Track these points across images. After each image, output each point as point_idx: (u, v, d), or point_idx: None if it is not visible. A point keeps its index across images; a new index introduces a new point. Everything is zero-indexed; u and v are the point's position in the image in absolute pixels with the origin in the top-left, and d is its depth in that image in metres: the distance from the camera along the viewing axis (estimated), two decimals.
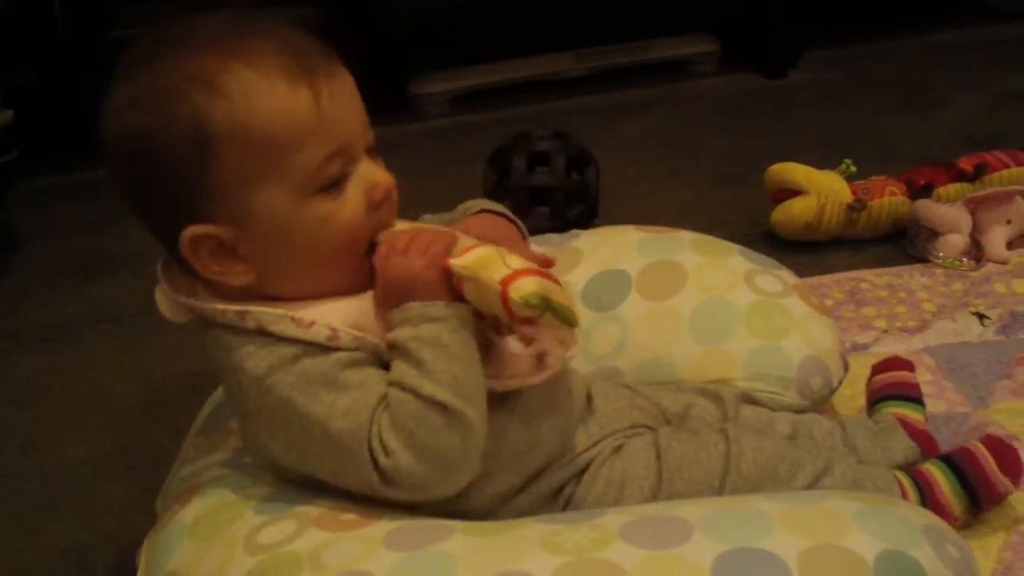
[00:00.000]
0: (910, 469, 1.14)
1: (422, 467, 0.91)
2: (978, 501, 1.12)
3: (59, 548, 1.33)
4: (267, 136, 0.90)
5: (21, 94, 2.24)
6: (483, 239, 0.99)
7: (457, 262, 0.95)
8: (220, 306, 0.95)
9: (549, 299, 0.92)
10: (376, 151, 0.98)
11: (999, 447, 1.14)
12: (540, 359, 1.02)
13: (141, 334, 1.78)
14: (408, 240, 0.96)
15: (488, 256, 0.95)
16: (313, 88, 0.91)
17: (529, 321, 0.94)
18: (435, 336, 0.93)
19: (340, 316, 0.95)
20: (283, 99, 0.90)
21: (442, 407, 0.91)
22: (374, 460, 0.91)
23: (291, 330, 0.93)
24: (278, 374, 0.92)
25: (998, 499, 1.13)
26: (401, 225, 1.00)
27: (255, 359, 0.93)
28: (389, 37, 2.59)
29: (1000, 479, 1.11)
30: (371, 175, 0.95)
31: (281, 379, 0.92)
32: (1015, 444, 1.20)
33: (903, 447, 1.18)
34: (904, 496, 1.09)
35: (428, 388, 0.91)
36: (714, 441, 1.07)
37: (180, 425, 1.34)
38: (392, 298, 0.95)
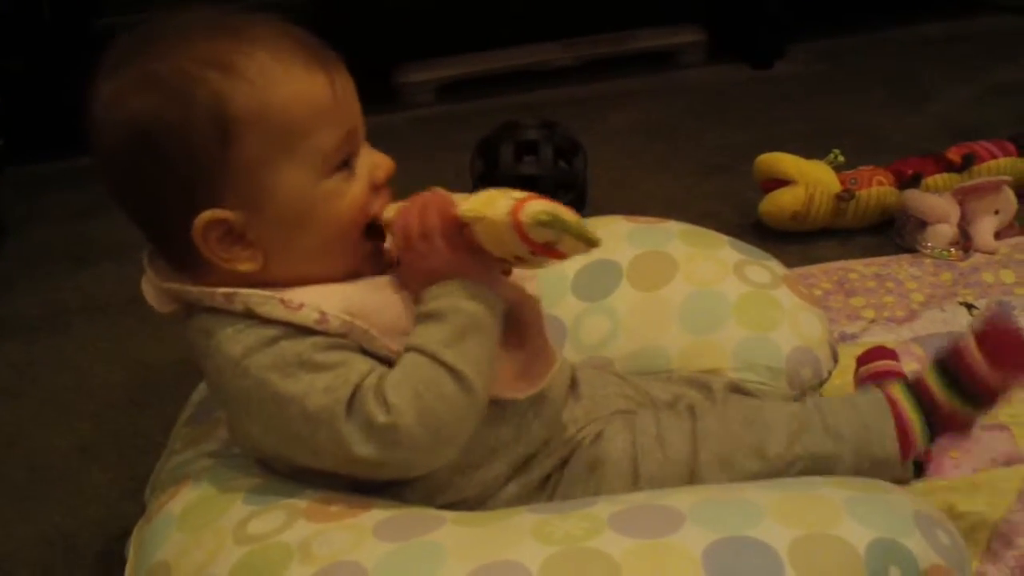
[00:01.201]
0: (910, 379, 1.11)
1: (419, 431, 0.90)
2: (977, 399, 1.06)
3: (46, 536, 1.33)
4: (287, 117, 0.92)
5: (7, 81, 2.23)
6: None
7: (463, 207, 0.95)
8: (208, 289, 0.95)
9: (561, 217, 0.91)
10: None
11: (994, 337, 1.06)
12: (527, 373, 1.02)
13: (128, 322, 1.78)
14: (418, 218, 0.96)
15: (491, 195, 0.94)
16: (327, 72, 0.94)
17: (550, 250, 0.93)
18: (473, 312, 0.94)
19: (333, 301, 0.95)
20: (301, 82, 0.92)
21: (459, 377, 0.92)
22: (368, 421, 0.90)
23: (278, 311, 0.93)
24: (255, 355, 0.92)
25: (994, 394, 1.06)
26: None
27: (232, 342, 0.93)
28: (374, 25, 2.58)
29: (987, 372, 1.05)
30: (374, 157, 0.98)
31: (258, 360, 0.92)
32: (1007, 434, 1.21)
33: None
34: (897, 411, 1.08)
35: (450, 356, 0.92)
36: (684, 420, 1.08)
37: (167, 414, 1.34)
38: (424, 279, 0.97)
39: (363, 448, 0.91)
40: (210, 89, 0.90)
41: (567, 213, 0.92)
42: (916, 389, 1.09)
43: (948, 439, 1.12)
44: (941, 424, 1.07)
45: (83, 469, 1.45)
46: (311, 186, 0.94)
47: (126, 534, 1.10)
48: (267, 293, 0.93)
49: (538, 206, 0.91)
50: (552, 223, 0.91)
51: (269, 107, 0.91)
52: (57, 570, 1.27)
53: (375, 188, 0.98)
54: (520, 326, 1.02)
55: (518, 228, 0.91)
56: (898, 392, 1.09)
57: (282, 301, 0.93)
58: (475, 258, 0.97)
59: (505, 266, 1.01)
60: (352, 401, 0.91)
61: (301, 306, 0.93)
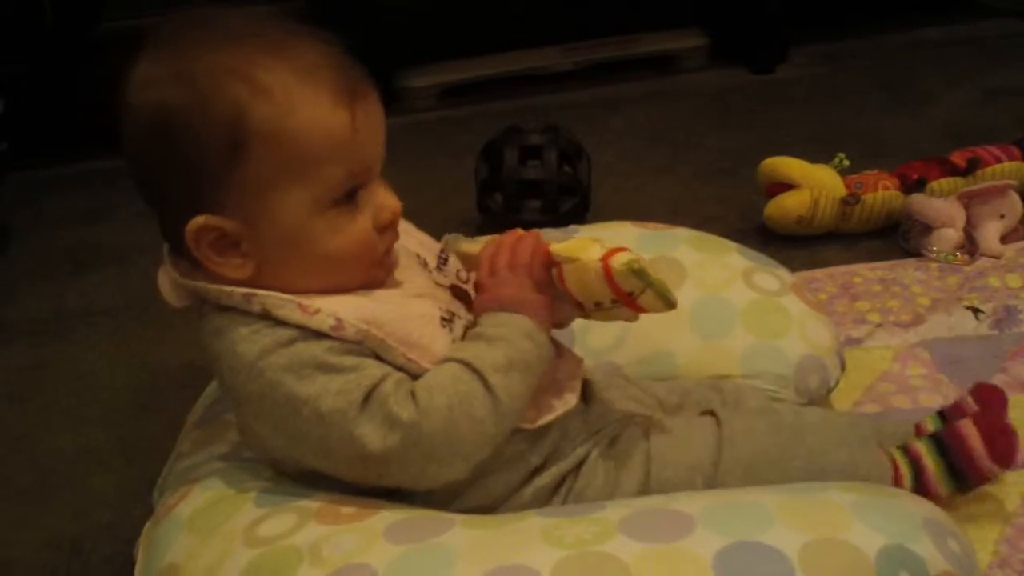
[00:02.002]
0: (904, 446, 1.13)
1: (439, 440, 0.91)
2: (964, 482, 1.11)
3: (52, 541, 1.32)
4: (301, 145, 0.91)
5: (10, 86, 2.23)
6: None
7: (557, 247, 0.99)
8: (227, 288, 0.95)
9: (649, 270, 0.97)
10: None
11: (990, 426, 1.11)
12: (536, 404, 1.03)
13: (132, 327, 1.78)
14: (510, 249, 1.02)
15: (584, 241, 1.00)
16: (352, 109, 0.92)
17: (631, 300, 0.99)
18: (528, 351, 0.97)
19: (349, 308, 0.95)
20: (324, 114, 0.91)
21: (495, 403, 0.93)
22: (389, 417, 0.90)
23: (296, 315, 0.93)
24: (270, 357, 0.92)
25: (984, 482, 1.12)
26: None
27: (247, 343, 0.93)
28: (375, 30, 2.58)
29: (986, 462, 1.10)
30: (381, 198, 0.97)
31: (273, 362, 0.92)
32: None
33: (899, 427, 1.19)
34: (897, 475, 1.09)
35: (495, 380, 0.94)
36: (706, 424, 1.08)
37: (173, 417, 1.34)
38: (495, 306, 1.00)
39: (375, 443, 0.91)
40: (233, 99, 0.90)
41: (654, 269, 0.98)
42: (909, 454, 1.12)
43: None
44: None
45: (89, 473, 1.44)
46: (309, 216, 0.94)
47: (133, 537, 1.10)
48: (286, 296, 0.93)
49: (630, 256, 0.97)
50: (641, 274, 0.97)
51: (284, 130, 0.91)
52: (63, 573, 1.27)
53: (379, 229, 0.97)
54: None
55: (607, 273, 0.97)
56: (896, 454, 1.12)
57: (300, 305, 0.93)
58: (549, 305, 1.01)
59: (581, 313, 1.05)
60: (367, 402, 0.91)
61: (318, 311, 0.93)
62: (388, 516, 0.93)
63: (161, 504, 1.08)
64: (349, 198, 0.95)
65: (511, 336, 0.97)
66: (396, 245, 1.04)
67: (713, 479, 1.03)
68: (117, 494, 1.39)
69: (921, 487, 1.09)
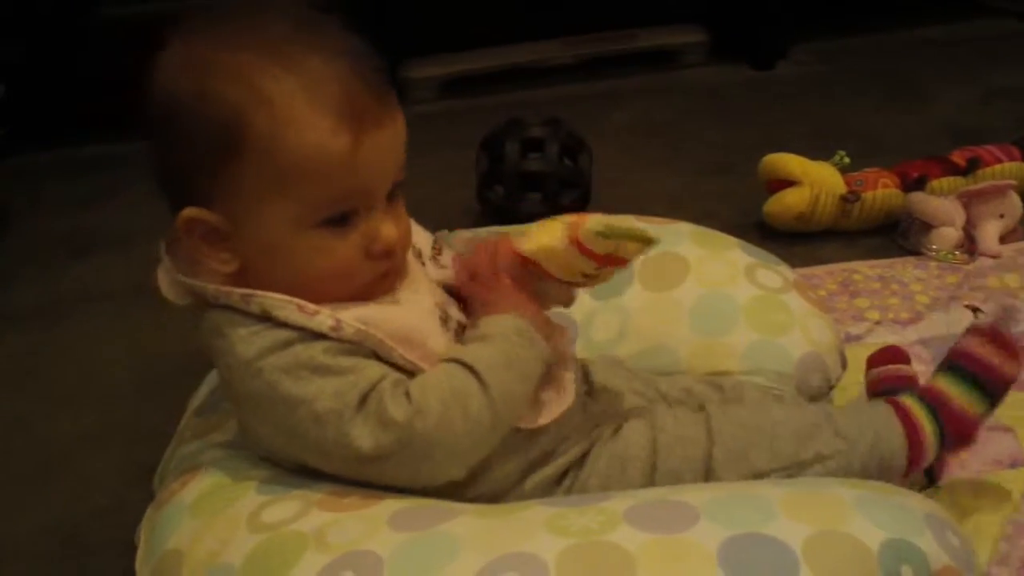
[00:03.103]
0: (919, 389, 1.12)
1: (435, 437, 0.91)
2: (993, 393, 1.10)
3: (51, 526, 1.32)
4: (294, 162, 0.90)
5: (8, 70, 2.22)
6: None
7: (526, 248, 0.99)
8: (225, 288, 0.95)
9: (615, 225, 0.96)
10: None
11: (991, 335, 1.11)
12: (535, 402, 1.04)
13: (131, 313, 1.77)
14: (489, 257, 1.03)
15: (546, 225, 1.00)
16: (355, 135, 0.91)
17: (612, 259, 0.99)
18: (520, 349, 0.97)
19: (348, 310, 0.95)
20: (323, 136, 0.90)
21: (489, 399, 0.93)
22: (382, 417, 0.90)
23: (295, 316, 0.93)
24: (269, 358, 0.92)
25: (1008, 385, 1.11)
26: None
27: (246, 343, 0.93)
28: (378, 21, 2.58)
29: (1006, 363, 1.09)
30: (376, 228, 0.96)
31: (271, 362, 0.92)
32: (1011, 436, 1.21)
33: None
34: (911, 427, 1.08)
35: (488, 376, 0.93)
36: (699, 417, 1.08)
37: (172, 404, 1.33)
38: (484, 311, 1.01)
39: (369, 443, 0.91)
40: (234, 102, 0.90)
41: (619, 220, 0.97)
42: (928, 397, 1.10)
43: (953, 450, 1.13)
44: (952, 431, 1.08)
45: (88, 459, 1.44)
46: (292, 232, 0.93)
47: (132, 523, 1.10)
48: (285, 297, 0.93)
49: (591, 221, 0.96)
50: (608, 232, 0.96)
51: (278, 145, 0.90)
52: (63, 559, 1.27)
53: (369, 257, 0.96)
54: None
55: (579, 247, 0.97)
56: (910, 402, 1.10)
57: (299, 307, 0.93)
58: (534, 300, 1.02)
59: (576, 288, 1.06)
60: (363, 403, 0.91)
61: (317, 312, 0.93)
62: (392, 504, 0.93)
63: (163, 489, 1.08)
64: (340, 222, 0.94)
65: (504, 334, 0.97)
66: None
67: (711, 471, 1.04)
68: (116, 479, 1.39)
69: (950, 420, 1.08)
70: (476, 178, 1.96)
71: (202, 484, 1.03)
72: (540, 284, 1.03)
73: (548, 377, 1.04)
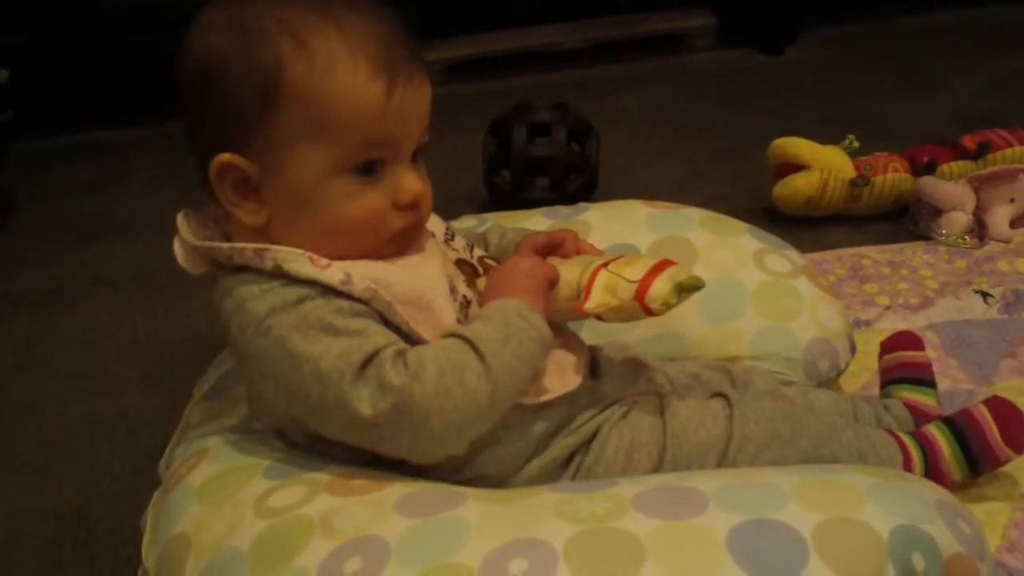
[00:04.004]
0: (915, 431, 1.14)
1: (431, 405, 0.90)
2: (977, 467, 1.12)
3: (57, 511, 1.32)
4: (330, 109, 0.94)
5: (15, 56, 2.22)
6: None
7: (588, 306, 1.02)
8: (239, 244, 0.96)
9: (681, 285, 1.00)
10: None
11: (1004, 411, 1.12)
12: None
13: (137, 298, 1.78)
14: (515, 264, 1.05)
15: (606, 283, 1.03)
16: (390, 85, 0.94)
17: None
18: (520, 328, 0.97)
19: (359, 267, 0.96)
20: (359, 83, 0.94)
21: (486, 371, 0.93)
22: (381, 382, 0.90)
23: (306, 269, 0.94)
24: (279, 315, 0.93)
25: (997, 466, 1.13)
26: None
27: (257, 300, 0.94)
28: (383, 2, 2.57)
29: (1001, 447, 1.11)
30: (405, 179, 0.99)
31: (281, 320, 0.93)
32: None
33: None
34: (907, 460, 1.09)
35: (485, 348, 0.94)
36: (718, 405, 1.07)
37: (177, 390, 1.34)
38: (494, 293, 1.01)
39: (368, 409, 0.91)
40: (276, 53, 0.93)
41: (679, 275, 1.01)
42: (922, 442, 1.12)
43: None
44: (932, 479, 1.08)
45: (93, 444, 1.45)
46: (324, 176, 0.96)
47: (137, 508, 1.10)
48: (297, 251, 0.95)
49: (663, 288, 1.00)
50: (677, 297, 1.00)
51: (317, 91, 0.93)
52: (68, 544, 1.27)
53: (397, 207, 0.99)
54: None
55: (646, 308, 1.01)
56: (908, 441, 1.12)
57: (311, 259, 0.95)
58: (542, 296, 1.02)
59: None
60: (365, 366, 0.91)
61: (328, 265, 0.95)
62: (399, 489, 0.93)
63: (171, 474, 1.07)
64: (368, 170, 0.96)
65: (504, 314, 0.98)
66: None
67: (724, 458, 1.03)
68: (122, 465, 1.39)
69: (933, 471, 1.09)
70: (483, 163, 1.95)
71: (209, 469, 1.03)
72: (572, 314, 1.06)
73: (555, 362, 1.04)
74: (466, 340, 0.94)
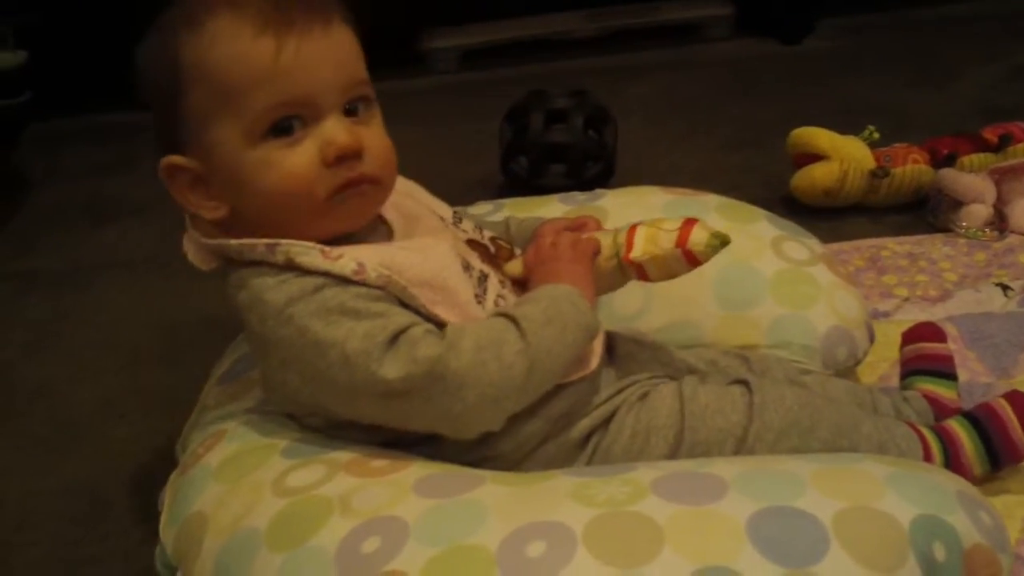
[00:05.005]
0: (935, 425, 1.13)
1: (466, 377, 0.91)
2: (998, 461, 1.11)
3: (72, 490, 1.32)
4: (223, 78, 0.93)
5: (32, 36, 2.22)
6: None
7: (634, 255, 1.06)
8: (249, 241, 0.96)
9: (717, 234, 1.05)
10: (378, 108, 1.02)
11: None
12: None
13: (152, 280, 1.78)
14: (572, 239, 1.08)
15: (647, 234, 1.07)
16: (278, 40, 0.93)
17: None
18: (566, 313, 0.98)
19: (369, 254, 0.96)
20: (244, 45, 0.93)
21: (525, 347, 0.94)
22: (413, 354, 0.90)
23: (318, 261, 0.94)
24: (299, 304, 0.93)
25: (1018, 461, 1.12)
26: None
27: (275, 291, 0.94)
28: None
29: (1023, 442, 1.10)
30: (329, 133, 0.96)
31: (302, 308, 0.93)
32: None
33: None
34: (927, 454, 1.09)
35: (527, 326, 0.95)
36: (737, 392, 1.07)
37: (193, 370, 1.34)
38: (546, 279, 1.03)
39: (398, 373, 0.90)
40: (176, 40, 0.95)
41: (718, 230, 1.06)
42: (943, 436, 1.11)
43: None
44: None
45: (108, 424, 1.44)
46: (242, 149, 0.95)
47: (153, 488, 1.10)
48: (308, 244, 0.94)
49: (701, 235, 1.05)
50: (718, 243, 1.05)
51: (208, 62, 0.94)
52: (84, 523, 1.27)
53: (327, 164, 0.96)
54: None
55: (688, 255, 1.06)
56: (928, 435, 1.11)
57: (322, 251, 0.94)
58: (590, 281, 1.05)
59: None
60: (393, 342, 0.91)
61: (340, 256, 0.94)
62: (418, 470, 0.93)
63: (188, 454, 1.07)
64: (284, 132, 0.95)
65: (553, 297, 0.98)
66: (411, 206, 1.08)
67: (743, 445, 1.02)
68: (137, 446, 1.39)
69: (954, 465, 1.08)
70: (500, 149, 1.94)
71: (227, 449, 1.03)
72: (614, 277, 1.10)
73: None
74: (510, 319, 0.95)
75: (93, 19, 2.34)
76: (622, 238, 1.07)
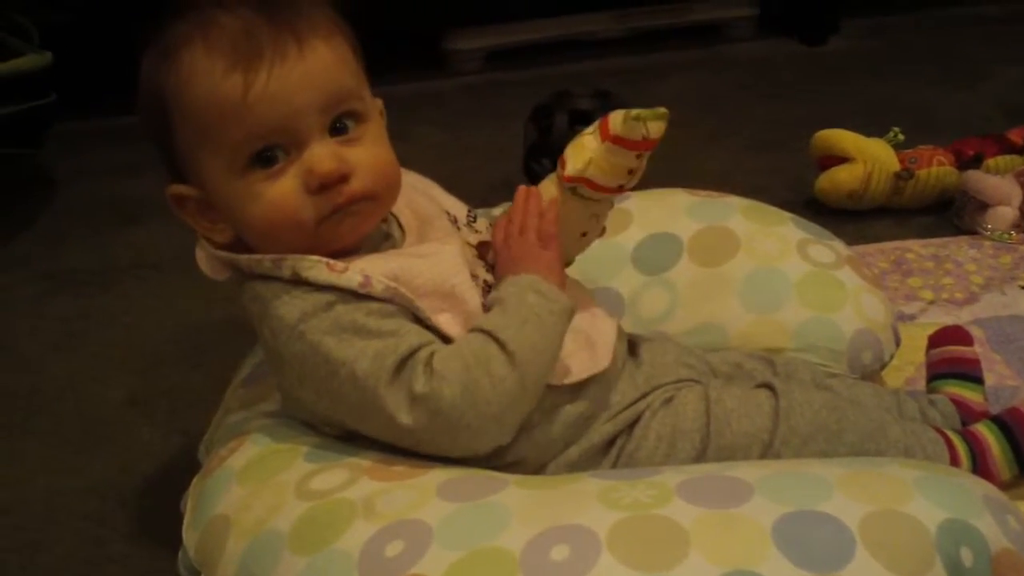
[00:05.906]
0: (962, 429, 1.12)
1: (461, 403, 0.91)
2: None
3: (97, 489, 1.33)
4: (199, 114, 0.93)
5: (58, 36, 2.22)
6: None
7: (568, 172, 1.04)
8: (256, 256, 0.97)
9: (639, 115, 1.00)
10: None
11: None
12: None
13: (178, 280, 1.78)
14: (520, 216, 1.04)
15: (574, 146, 1.05)
16: (247, 75, 0.91)
17: (647, 142, 1.02)
18: (536, 305, 0.97)
19: (375, 266, 0.96)
20: (214, 81, 0.92)
21: (510, 357, 0.92)
22: (411, 389, 0.91)
23: (324, 275, 0.94)
24: (312, 320, 0.93)
25: None
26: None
27: (288, 307, 0.94)
28: None
29: None
30: (310, 161, 0.94)
31: (315, 325, 0.93)
32: None
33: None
34: (954, 458, 1.08)
35: (504, 335, 0.93)
36: (763, 396, 1.06)
37: (217, 371, 1.34)
38: (509, 268, 1.02)
39: (405, 416, 0.91)
40: (158, 74, 0.95)
41: (638, 110, 1.01)
42: (970, 440, 1.11)
43: None
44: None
45: (134, 424, 1.45)
46: (227, 182, 0.95)
47: (177, 488, 1.10)
48: (313, 257, 0.95)
49: (618, 116, 1.01)
50: (637, 116, 1.00)
51: (185, 100, 0.94)
52: (108, 522, 1.28)
53: (311, 191, 0.94)
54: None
55: (616, 141, 1.02)
56: (956, 440, 1.11)
57: (328, 265, 0.94)
58: (556, 259, 1.03)
59: (621, 191, 1.08)
60: (400, 369, 0.92)
61: (346, 269, 0.94)
62: (441, 474, 0.93)
63: (212, 456, 1.07)
64: (267, 162, 0.94)
65: (517, 296, 0.97)
66: (425, 206, 1.08)
67: (769, 449, 1.02)
68: (162, 446, 1.39)
69: (982, 470, 1.08)
70: (523, 149, 1.94)
71: (250, 452, 1.02)
72: (580, 214, 1.08)
73: (580, 338, 1.04)
74: (485, 332, 0.94)
75: (119, 20, 2.35)
76: (558, 170, 1.06)
